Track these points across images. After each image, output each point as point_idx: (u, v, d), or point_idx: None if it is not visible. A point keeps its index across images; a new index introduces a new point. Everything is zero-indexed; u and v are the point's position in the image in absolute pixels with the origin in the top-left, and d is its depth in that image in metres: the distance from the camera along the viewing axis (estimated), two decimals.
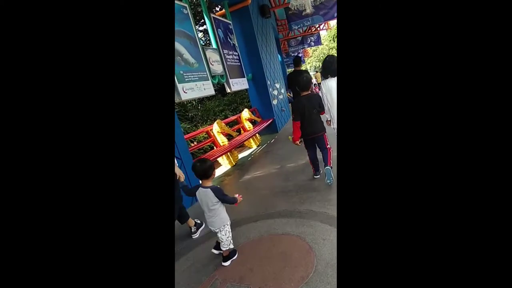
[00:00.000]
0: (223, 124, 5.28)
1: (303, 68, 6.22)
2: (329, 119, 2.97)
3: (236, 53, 5.84)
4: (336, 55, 3.03)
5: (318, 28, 11.99)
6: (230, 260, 2.13)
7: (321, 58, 41.89)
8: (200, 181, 2.07)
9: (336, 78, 2.67)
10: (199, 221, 2.82)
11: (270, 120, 6.84)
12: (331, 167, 3.00)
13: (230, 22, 5.75)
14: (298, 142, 3.03)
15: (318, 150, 3.19)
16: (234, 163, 5.18)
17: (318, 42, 12.83)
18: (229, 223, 2.10)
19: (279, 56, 9.28)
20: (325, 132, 3.05)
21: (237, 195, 2.10)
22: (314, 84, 9.34)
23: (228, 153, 5.04)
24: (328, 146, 3.07)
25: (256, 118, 6.56)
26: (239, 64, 5.86)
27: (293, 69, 6.22)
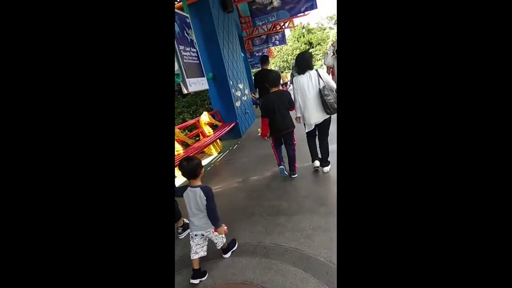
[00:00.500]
0: (178, 130, 4.65)
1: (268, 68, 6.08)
2: (298, 116, 2.95)
3: (195, 50, 5.18)
4: (306, 52, 3.00)
5: (283, 26, 11.55)
6: (231, 252, 2.06)
7: (286, 58, 42.39)
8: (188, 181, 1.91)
9: (308, 73, 2.74)
10: (187, 221, 2.41)
11: (233, 124, 6.30)
12: (295, 174, 3.18)
13: (188, 16, 5.12)
14: (266, 137, 3.08)
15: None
16: None
17: (282, 41, 12.32)
18: None
19: (242, 54, 8.79)
20: (294, 128, 3.06)
21: (224, 227, 1.94)
22: (282, 84, 9.16)
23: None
24: (295, 142, 3.13)
25: (216, 122, 6.07)
26: (197, 62, 5.22)
27: (259, 69, 6.00)
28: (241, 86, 7.29)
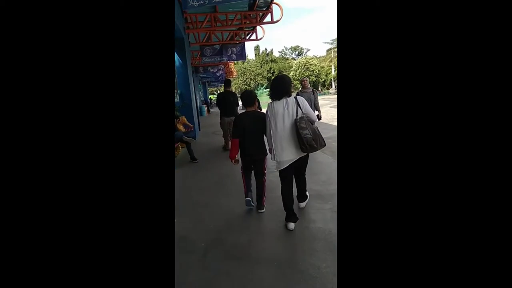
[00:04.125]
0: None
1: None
2: (270, 146, 2.45)
3: None
4: (285, 75, 2.61)
5: (244, 37, 9.90)
6: None
7: (248, 82, 41.93)
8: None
9: (284, 100, 2.30)
10: None
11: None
12: (262, 208, 2.73)
13: None
14: (233, 160, 2.71)
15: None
16: None
17: (241, 55, 9.27)
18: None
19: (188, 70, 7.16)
20: (266, 155, 2.68)
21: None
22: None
23: None
24: (265, 171, 2.77)
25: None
26: None
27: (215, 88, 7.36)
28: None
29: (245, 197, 2.77)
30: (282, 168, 2.30)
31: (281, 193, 2.39)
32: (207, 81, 20.38)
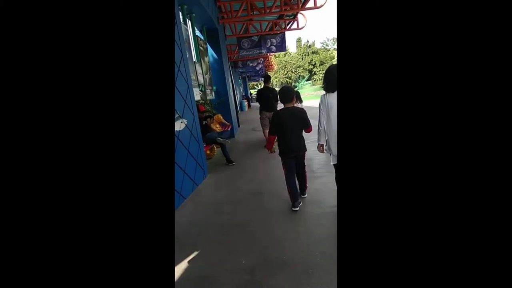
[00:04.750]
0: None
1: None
2: (321, 143, 2.28)
3: None
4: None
5: (285, 27, 8.35)
6: None
7: (289, 75, 40.96)
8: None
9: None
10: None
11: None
12: (305, 194, 2.77)
13: None
14: (270, 151, 2.74)
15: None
16: None
17: (281, 47, 8.51)
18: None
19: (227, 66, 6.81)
20: (306, 151, 2.61)
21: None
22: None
23: None
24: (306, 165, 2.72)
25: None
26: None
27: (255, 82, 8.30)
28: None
29: (292, 207, 2.50)
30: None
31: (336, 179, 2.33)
32: (247, 76, 19.99)
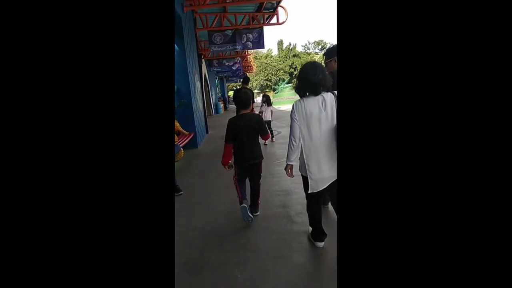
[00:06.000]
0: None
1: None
2: (291, 163, 1.87)
3: None
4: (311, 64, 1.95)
5: (264, 21, 7.36)
6: None
7: (269, 77, 40.29)
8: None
9: (321, 97, 1.73)
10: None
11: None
12: (257, 211, 2.54)
13: None
14: (227, 166, 2.44)
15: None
16: None
17: (259, 44, 7.47)
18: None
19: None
20: (263, 159, 2.47)
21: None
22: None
23: None
24: (261, 173, 2.54)
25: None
26: None
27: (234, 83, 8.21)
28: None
29: (240, 204, 2.38)
30: (321, 189, 1.77)
31: (308, 213, 1.99)
32: (224, 76, 18.94)
